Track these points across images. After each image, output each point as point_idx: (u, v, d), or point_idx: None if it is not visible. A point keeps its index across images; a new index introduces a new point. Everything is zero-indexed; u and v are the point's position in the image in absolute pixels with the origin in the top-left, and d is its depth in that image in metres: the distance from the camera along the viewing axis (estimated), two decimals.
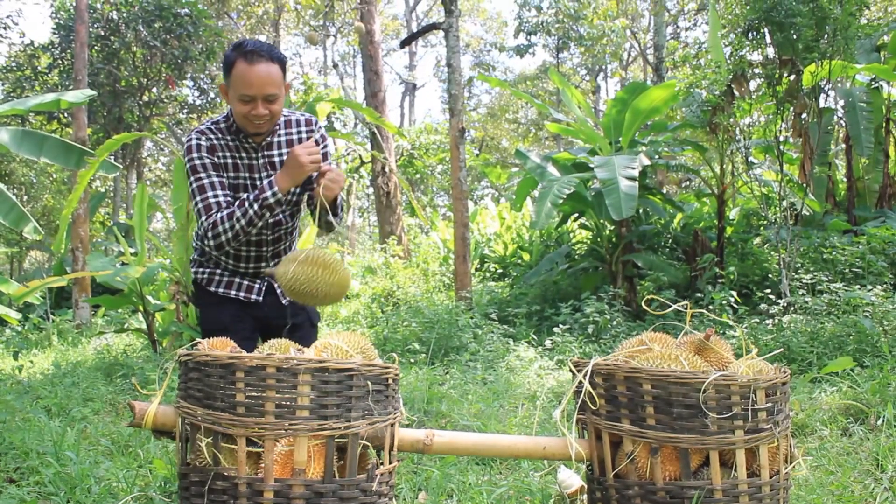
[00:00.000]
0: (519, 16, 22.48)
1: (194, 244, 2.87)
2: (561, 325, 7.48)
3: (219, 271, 2.81)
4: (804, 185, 8.17)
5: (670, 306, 2.44)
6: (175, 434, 2.06)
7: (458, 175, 9.15)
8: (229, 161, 2.65)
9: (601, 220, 9.15)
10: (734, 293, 7.21)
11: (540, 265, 10.03)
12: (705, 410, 2.05)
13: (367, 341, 2.18)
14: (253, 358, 1.92)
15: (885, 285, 6.91)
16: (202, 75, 19.05)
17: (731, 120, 7.78)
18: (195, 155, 2.60)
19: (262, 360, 1.91)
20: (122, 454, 3.76)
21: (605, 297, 7.96)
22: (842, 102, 9.55)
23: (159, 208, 11.06)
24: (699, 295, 7.82)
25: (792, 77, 7.46)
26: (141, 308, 7.70)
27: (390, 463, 2.08)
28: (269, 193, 2.52)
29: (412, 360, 6.69)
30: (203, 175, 2.60)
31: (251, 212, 2.52)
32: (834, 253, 7.63)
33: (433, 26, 10.15)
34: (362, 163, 15.43)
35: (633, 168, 7.90)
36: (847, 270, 7.43)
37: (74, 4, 12.07)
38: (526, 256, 12.72)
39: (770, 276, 8.28)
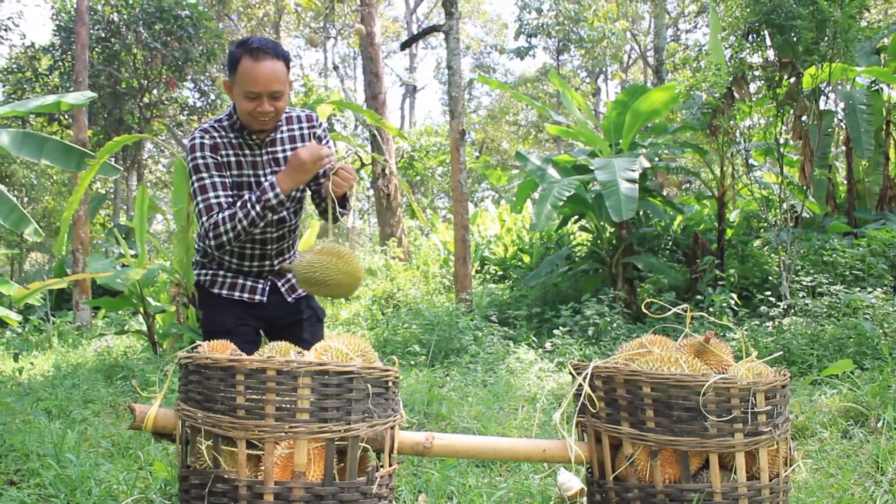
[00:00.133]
0: (519, 18, 22.50)
1: (196, 246, 2.86)
2: (561, 328, 7.48)
3: (221, 272, 2.80)
4: (804, 187, 8.17)
5: (670, 309, 2.44)
6: (175, 437, 2.06)
7: (458, 177, 9.16)
8: (232, 159, 2.65)
9: (601, 223, 9.16)
10: (734, 295, 7.21)
11: (540, 267, 10.03)
12: (705, 413, 2.05)
13: (367, 344, 2.19)
14: (253, 361, 1.92)
15: (885, 288, 6.91)
16: (203, 77, 19.06)
17: (732, 122, 7.79)
18: (198, 154, 2.60)
19: (262, 362, 1.91)
20: (122, 456, 3.76)
21: (605, 300, 7.96)
22: (842, 105, 9.55)
23: (160, 210, 11.08)
24: (699, 297, 7.82)
25: (792, 79, 7.46)
26: (141, 310, 7.70)
27: (390, 465, 2.08)
28: (271, 194, 2.52)
29: (412, 362, 6.69)
30: (205, 175, 2.59)
31: (253, 213, 2.53)
32: (834, 255, 7.64)
33: (433, 28, 10.15)
34: (362, 165, 15.44)
35: (634, 170, 7.90)
36: (847, 273, 7.43)
37: (75, 6, 12.09)
38: (526, 258, 12.73)
39: (770, 278, 8.28)
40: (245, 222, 2.54)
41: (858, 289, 6.86)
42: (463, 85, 10.29)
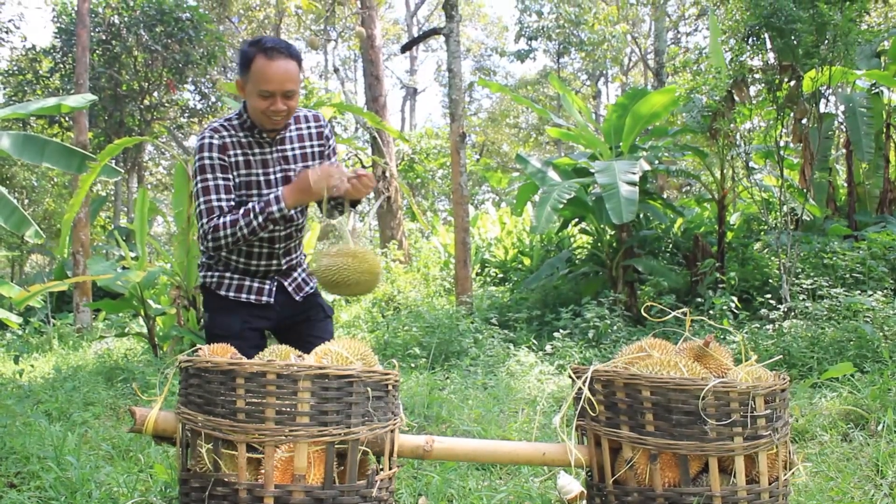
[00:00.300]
0: (520, 21, 22.52)
1: (201, 248, 2.86)
2: (561, 330, 7.48)
3: (228, 274, 2.79)
4: (805, 190, 8.17)
5: (670, 313, 2.44)
6: (176, 440, 2.07)
7: (458, 180, 9.16)
8: (241, 158, 2.66)
9: (602, 225, 9.16)
10: (735, 298, 7.21)
11: (540, 270, 10.03)
12: (704, 417, 2.05)
13: (367, 347, 2.19)
14: (253, 364, 1.92)
15: (885, 291, 6.91)
16: (203, 79, 19.08)
17: (732, 125, 7.79)
18: (205, 154, 2.61)
19: (262, 366, 1.92)
20: (122, 459, 3.77)
21: (605, 302, 7.96)
22: (842, 108, 9.56)
23: (160, 212, 11.07)
24: (700, 300, 7.82)
25: (792, 83, 7.47)
26: (142, 312, 7.71)
27: (390, 469, 2.09)
28: (275, 208, 2.54)
29: (413, 365, 6.70)
30: (209, 176, 2.60)
31: (255, 223, 2.55)
32: (834, 258, 7.64)
33: (434, 31, 10.17)
34: (363, 167, 15.45)
35: (634, 173, 7.91)
36: (847, 276, 7.43)
37: (76, 9, 12.10)
38: (526, 261, 12.73)
39: (770, 281, 8.28)
40: (246, 230, 2.56)
41: (859, 292, 6.86)
42: (463, 88, 10.30)
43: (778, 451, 2.14)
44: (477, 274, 13.07)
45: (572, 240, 11.76)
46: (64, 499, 3.04)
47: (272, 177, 2.70)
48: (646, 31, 25.85)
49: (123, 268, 9.14)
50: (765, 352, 5.78)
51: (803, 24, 6.93)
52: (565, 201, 8.21)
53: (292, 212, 2.65)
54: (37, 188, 19.07)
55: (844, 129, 9.54)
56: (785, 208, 7.75)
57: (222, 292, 2.79)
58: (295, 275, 2.88)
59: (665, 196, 13.91)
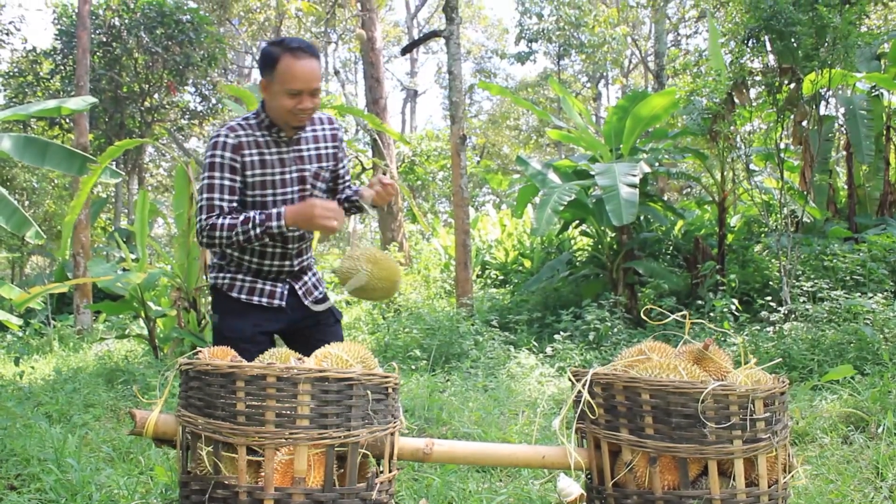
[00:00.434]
0: (520, 23, 22.53)
1: (202, 244, 2.87)
2: (562, 333, 7.48)
3: (240, 276, 2.80)
4: (805, 192, 8.18)
5: (670, 315, 2.45)
6: (176, 442, 2.07)
7: (459, 182, 9.17)
8: (256, 158, 2.67)
9: (602, 228, 9.17)
10: (735, 300, 7.21)
11: (541, 272, 10.04)
12: (704, 420, 2.06)
13: (366, 350, 2.20)
14: (253, 367, 1.93)
15: (885, 293, 6.91)
16: (204, 81, 19.09)
17: (732, 128, 7.80)
18: (218, 152, 2.63)
19: (262, 369, 1.92)
20: (123, 461, 3.77)
21: (605, 305, 7.96)
22: (842, 110, 9.57)
23: (161, 214, 11.08)
24: (700, 302, 7.83)
25: (792, 85, 7.47)
26: (142, 314, 7.71)
27: (390, 471, 2.09)
28: (274, 223, 2.57)
29: (413, 367, 6.70)
30: (216, 174, 2.63)
31: (252, 232, 2.58)
32: (835, 260, 7.64)
33: (434, 34, 10.18)
34: (364, 169, 15.45)
35: (634, 175, 7.91)
36: (848, 278, 7.43)
37: (76, 11, 12.11)
38: (527, 263, 12.73)
39: (771, 283, 8.29)
40: (241, 237, 2.59)
41: (859, 294, 6.87)
42: (464, 90, 10.30)
43: (777, 454, 2.14)
44: (477, 276, 13.07)
45: (573, 242, 11.76)
46: (64, 501, 3.04)
47: (288, 176, 2.73)
48: (646, 34, 25.88)
49: (124, 269, 9.15)
50: (765, 354, 5.78)
51: (803, 27, 6.93)
52: (566, 203, 8.21)
53: (287, 230, 2.68)
54: (37, 190, 19.07)
55: (844, 132, 9.55)
56: (785, 210, 7.75)
57: (234, 294, 2.79)
58: (305, 278, 2.89)
59: (665, 198, 13.92)
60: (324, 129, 2.85)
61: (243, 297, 2.78)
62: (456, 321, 7.68)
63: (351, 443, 1.97)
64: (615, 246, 9.13)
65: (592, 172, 8.49)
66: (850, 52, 7.06)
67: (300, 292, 2.85)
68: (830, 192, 9.70)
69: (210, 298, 3.01)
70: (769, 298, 7.29)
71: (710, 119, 7.88)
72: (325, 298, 2.91)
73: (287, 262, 2.81)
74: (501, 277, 13.15)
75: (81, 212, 10.91)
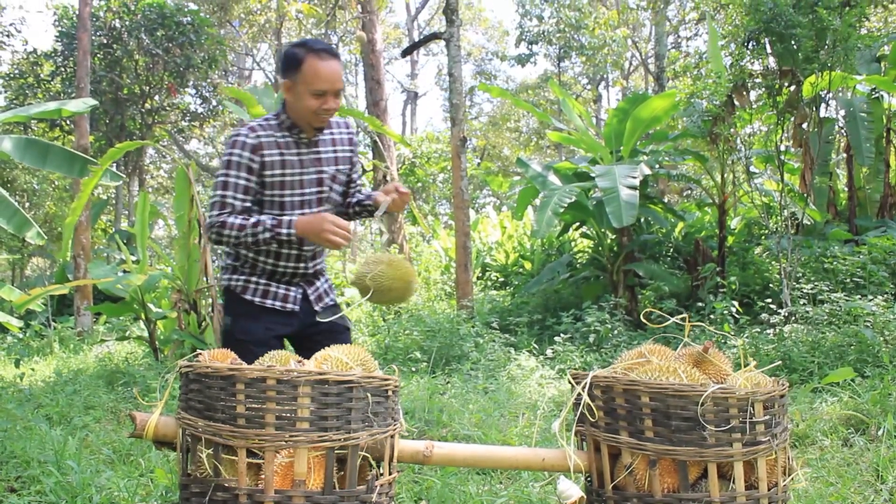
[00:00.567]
0: (520, 25, 22.54)
1: (228, 250, 2.87)
2: (562, 335, 7.48)
3: (254, 279, 2.80)
4: (805, 194, 8.18)
5: (669, 318, 2.45)
6: (176, 445, 2.07)
7: (459, 184, 9.18)
8: (276, 158, 2.69)
9: (602, 230, 9.17)
10: (735, 303, 7.21)
11: (541, 274, 10.04)
12: (703, 423, 2.06)
13: (366, 353, 2.20)
14: (253, 370, 1.93)
15: (885, 295, 6.91)
16: (204, 83, 19.11)
17: (732, 130, 7.80)
18: (236, 151, 2.65)
19: (262, 371, 1.92)
20: (123, 463, 3.77)
21: (606, 307, 7.96)
22: (842, 112, 9.57)
23: (161, 216, 11.09)
24: (700, 304, 7.83)
25: (792, 87, 7.48)
26: (142, 316, 7.72)
27: (390, 474, 2.09)
28: (284, 231, 2.60)
29: (413, 369, 6.70)
30: (233, 173, 2.65)
31: (261, 236, 2.60)
32: (835, 262, 7.64)
33: (434, 36, 10.19)
34: (364, 171, 15.48)
35: (634, 177, 7.92)
36: (848, 280, 7.43)
37: (77, 13, 12.13)
38: (527, 265, 12.73)
39: (771, 285, 8.28)
40: (249, 239, 2.61)
41: (859, 296, 6.86)
42: (464, 92, 10.31)
43: (777, 457, 2.14)
44: (478, 278, 13.07)
45: (573, 244, 11.76)
46: (64, 503, 3.04)
47: (307, 177, 2.75)
48: (646, 36, 25.89)
49: (124, 271, 9.15)
50: (765, 356, 5.78)
51: (803, 29, 6.94)
52: (566, 205, 8.22)
53: (295, 238, 2.69)
54: (38, 192, 19.08)
55: (845, 134, 9.55)
56: (785, 213, 7.76)
57: (248, 296, 2.80)
58: (318, 283, 2.91)
59: (666, 200, 13.92)
60: (341, 133, 2.88)
61: (257, 299, 2.79)
62: (456, 323, 7.69)
63: (351, 445, 1.97)
64: (615, 248, 9.13)
65: (593, 174, 8.49)
66: (850, 55, 7.07)
67: (312, 297, 2.87)
68: (831, 195, 9.70)
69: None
70: (769, 300, 7.29)
71: (710, 121, 7.88)
72: (334, 306, 2.92)
73: (302, 265, 2.82)
74: (502, 279, 13.15)
75: (82, 213, 10.92)
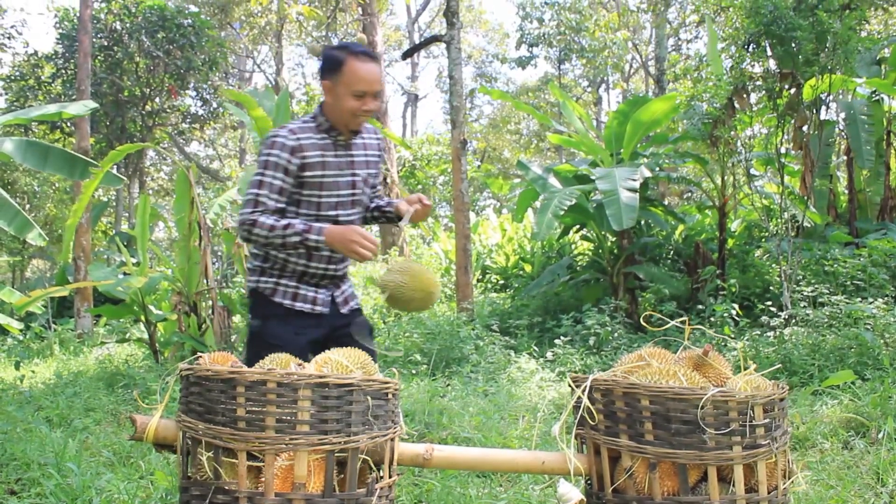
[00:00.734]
0: (521, 27, 22.57)
1: (255, 251, 2.87)
2: (562, 337, 7.48)
3: (283, 281, 2.80)
4: (805, 197, 8.18)
5: (669, 322, 2.45)
6: (176, 447, 2.07)
7: (459, 186, 9.18)
8: (316, 160, 2.71)
9: (603, 232, 9.17)
10: (735, 305, 7.21)
11: (541, 277, 10.03)
12: (703, 426, 2.06)
13: (366, 356, 2.20)
14: (253, 373, 1.93)
15: (886, 298, 6.90)
16: (205, 85, 19.12)
17: (732, 132, 7.80)
18: (275, 151, 2.67)
19: (262, 374, 1.92)
20: (123, 465, 3.77)
21: (606, 309, 7.96)
22: (843, 115, 9.58)
23: (161, 218, 11.09)
24: (701, 307, 7.82)
25: (792, 90, 7.48)
26: (143, 318, 7.72)
27: (390, 477, 2.09)
28: (314, 237, 2.61)
29: (413, 372, 6.70)
30: (269, 173, 2.66)
31: (290, 239, 2.62)
32: (835, 265, 7.63)
33: (435, 38, 10.20)
34: None
35: (635, 180, 7.92)
36: (848, 283, 7.43)
37: (78, 15, 12.14)
38: (527, 268, 12.72)
39: (771, 288, 8.28)
40: (278, 241, 2.63)
41: (859, 299, 6.86)
42: (464, 94, 10.32)
43: (777, 460, 2.14)
44: (478, 280, 13.07)
45: (573, 246, 11.75)
46: None
47: (342, 179, 2.78)
48: (647, 38, 25.90)
49: (125, 273, 9.16)
50: (766, 359, 5.78)
51: (803, 32, 6.94)
52: (566, 208, 8.22)
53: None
54: (38, 194, 19.08)
55: (845, 137, 9.55)
56: (786, 215, 7.76)
57: (277, 299, 2.79)
58: (344, 287, 2.93)
59: (666, 203, 13.91)
60: (371, 138, 2.93)
61: (286, 302, 2.79)
62: (456, 326, 7.68)
63: (351, 448, 1.97)
64: (616, 250, 9.13)
65: (593, 177, 8.49)
66: (850, 58, 7.07)
67: (339, 300, 2.88)
68: (831, 197, 9.70)
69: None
70: (769, 303, 7.29)
71: (710, 124, 7.88)
72: (363, 319, 2.97)
73: (332, 266, 2.83)
74: (502, 282, 13.14)
75: (82, 216, 10.91)
